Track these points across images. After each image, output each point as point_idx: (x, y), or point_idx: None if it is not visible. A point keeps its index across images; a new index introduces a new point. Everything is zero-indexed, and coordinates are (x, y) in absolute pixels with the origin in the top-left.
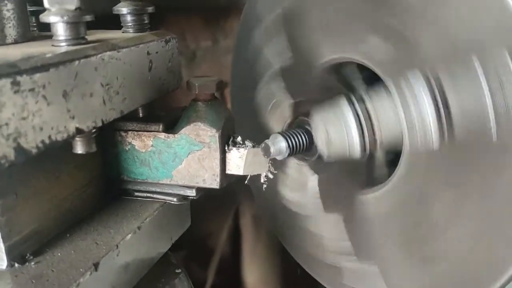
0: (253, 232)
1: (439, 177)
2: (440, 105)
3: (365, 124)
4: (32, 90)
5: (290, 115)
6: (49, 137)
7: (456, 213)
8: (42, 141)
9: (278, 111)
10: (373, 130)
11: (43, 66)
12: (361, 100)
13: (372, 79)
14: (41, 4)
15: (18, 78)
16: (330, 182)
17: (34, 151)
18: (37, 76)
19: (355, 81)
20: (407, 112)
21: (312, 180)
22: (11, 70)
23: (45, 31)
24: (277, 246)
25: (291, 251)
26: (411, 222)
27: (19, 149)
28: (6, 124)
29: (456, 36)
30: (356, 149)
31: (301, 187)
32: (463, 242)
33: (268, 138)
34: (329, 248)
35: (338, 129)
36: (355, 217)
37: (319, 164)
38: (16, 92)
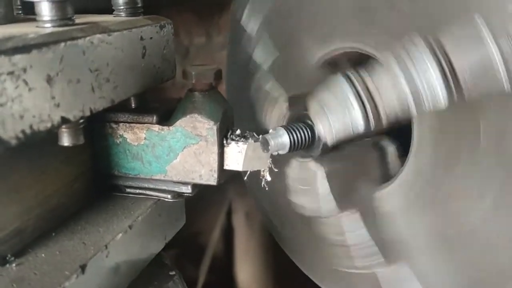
0: (246, 230)
1: (451, 144)
2: (445, 66)
3: (365, 96)
4: (11, 73)
5: (287, 109)
6: (31, 126)
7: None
8: (23, 131)
9: (275, 108)
10: (374, 102)
11: (25, 47)
12: (359, 76)
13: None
14: None
15: None
16: (341, 180)
17: (13, 141)
18: (17, 57)
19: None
20: (410, 78)
21: (321, 178)
22: None
23: (31, 14)
24: (269, 243)
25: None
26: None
27: None
28: None
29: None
30: (359, 123)
31: (310, 188)
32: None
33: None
34: (356, 253)
35: (338, 106)
36: (374, 216)
37: (325, 159)
38: None
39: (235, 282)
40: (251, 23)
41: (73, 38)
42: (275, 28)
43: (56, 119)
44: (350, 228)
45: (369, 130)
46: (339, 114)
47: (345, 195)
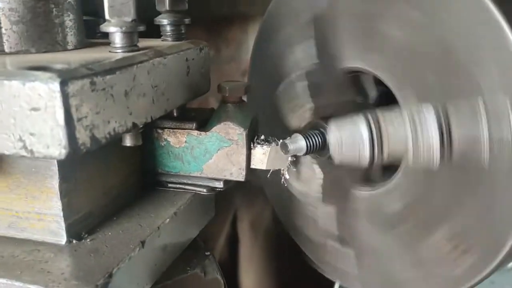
0: (250, 238)
1: (433, 193)
2: (445, 134)
3: (376, 140)
4: (103, 89)
5: (310, 118)
6: (114, 129)
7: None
8: (109, 133)
9: (299, 112)
10: (382, 145)
11: (112, 69)
12: (376, 119)
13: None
14: (91, 14)
15: (95, 79)
16: (332, 178)
17: (103, 141)
18: (108, 77)
19: (370, 91)
20: (415, 135)
21: (318, 176)
22: (90, 72)
23: (92, 38)
24: (273, 251)
25: (292, 234)
26: (398, 221)
27: (93, 138)
28: (85, 117)
29: (470, 79)
30: (365, 160)
31: (307, 180)
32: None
33: (285, 133)
34: (320, 231)
35: (351, 141)
36: (347, 210)
37: (326, 163)
38: (93, 90)
39: None
40: (302, 9)
41: (141, 61)
42: (322, 30)
43: (129, 124)
44: (323, 215)
45: (371, 166)
46: (350, 147)
47: (331, 193)
